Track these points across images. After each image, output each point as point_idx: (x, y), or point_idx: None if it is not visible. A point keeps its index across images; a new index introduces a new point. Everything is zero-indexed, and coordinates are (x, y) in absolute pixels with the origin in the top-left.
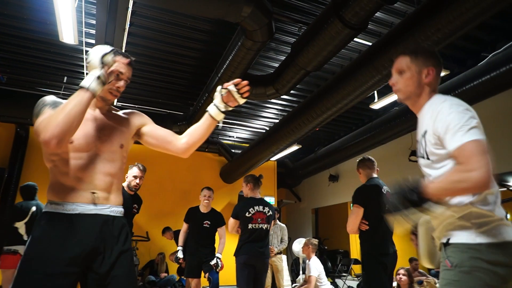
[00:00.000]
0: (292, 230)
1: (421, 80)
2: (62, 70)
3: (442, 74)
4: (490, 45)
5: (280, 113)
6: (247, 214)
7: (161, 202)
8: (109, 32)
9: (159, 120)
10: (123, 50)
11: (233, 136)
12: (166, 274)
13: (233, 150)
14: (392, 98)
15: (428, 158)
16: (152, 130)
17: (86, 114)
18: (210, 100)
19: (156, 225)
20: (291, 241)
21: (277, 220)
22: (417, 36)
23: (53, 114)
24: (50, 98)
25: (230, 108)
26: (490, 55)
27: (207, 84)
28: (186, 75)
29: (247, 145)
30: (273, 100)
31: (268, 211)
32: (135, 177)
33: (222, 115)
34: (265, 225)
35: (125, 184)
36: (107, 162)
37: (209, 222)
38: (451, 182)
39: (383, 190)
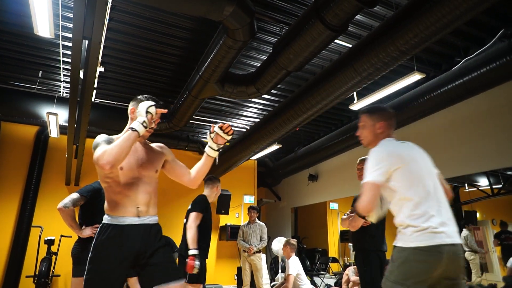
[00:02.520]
0: (272, 229)
1: (375, 131)
2: (37, 64)
3: (419, 77)
4: (463, 51)
5: (260, 112)
6: None
7: None
8: (87, 26)
9: None
10: (102, 46)
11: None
12: None
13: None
14: (371, 99)
15: None
16: (173, 164)
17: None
18: (191, 98)
19: None
20: (270, 239)
21: (257, 219)
22: (395, 39)
23: (109, 147)
24: (104, 137)
25: (221, 146)
26: (463, 60)
27: (188, 82)
28: (167, 73)
29: (228, 143)
30: (254, 99)
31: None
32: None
33: (216, 153)
34: (185, 219)
35: None
36: (146, 183)
37: None
38: (358, 203)
39: None
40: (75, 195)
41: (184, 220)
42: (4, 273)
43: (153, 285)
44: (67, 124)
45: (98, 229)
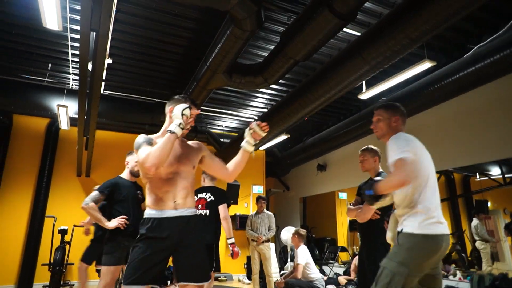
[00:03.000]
0: (281, 219)
1: (391, 124)
2: (46, 57)
3: (429, 65)
4: (476, 37)
5: (268, 102)
6: None
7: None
8: (95, 18)
9: (147, 109)
10: (110, 38)
11: (222, 125)
12: None
13: (221, 139)
14: (380, 88)
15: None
16: (210, 159)
17: None
18: (198, 88)
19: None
20: (279, 229)
21: (265, 209)
22: (406, 26)
23: (152, 150)
24: (144, 137)
25: (258, 141)
26: (476, 47)
27: (196, 73)
28: (174, 64)
29: (236, 134)
30: (262, 90)
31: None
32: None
33: (253, 148)
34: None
35: (126, 172)
36: (184, 179)
37: None
38: (389, 180)
39: None
40: (94, 193)
41: (202, 211)
42: (21, 262)
43: (178, 280)
44: (77, 116)
45: (141, 222)
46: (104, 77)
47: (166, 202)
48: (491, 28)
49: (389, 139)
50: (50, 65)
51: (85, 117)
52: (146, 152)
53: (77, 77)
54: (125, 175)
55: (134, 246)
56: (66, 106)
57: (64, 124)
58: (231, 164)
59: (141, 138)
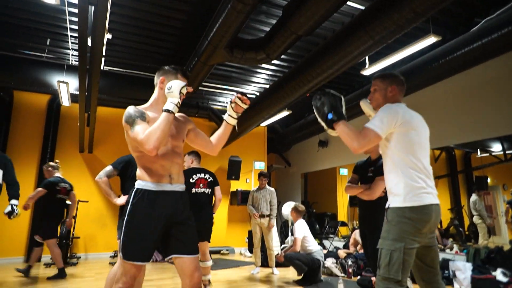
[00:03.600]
0: (282, 194)
1: (386, 94)
2: (45, 32)
3: (435, 40)
4: (484, 11)
5: (270, 78)
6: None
7: None
8: None
9: (148, 85)
10: (108, 12)
11: (223, 102)
12: None
13: (223, 116)
14: (383, 64)
15: None
16: (195, 133)
17: None
18: (200, 64)
19: None
20: (280, 204)
21: (267, 184)
22: (411, 0)
23: (151, 130)
24: (134, 110)
25: (239, 114)
26: (483, 21)
27: (197, 48)
28: (175, 39)
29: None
30: (263, 65)
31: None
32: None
33: (235, 120)
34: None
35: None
36: (177, 154)
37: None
38: (347, 133)
39: None
40: (108, 168)
41: (205, 190)
42: (29, 235)
43: (170, 253)
44: (77, 93)
45: (132, 193)
46: (104, 53)
47: (163, 176)
48: (499, 3)
49: (382, 107)
50: (49, 40)
51: (86, 94)
52: (143, 130)
53: (76, 53)
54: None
55: (129, 219)
56: (66, 83)
57: (65, 101)
58: (214, 138)
59: (131, 110)
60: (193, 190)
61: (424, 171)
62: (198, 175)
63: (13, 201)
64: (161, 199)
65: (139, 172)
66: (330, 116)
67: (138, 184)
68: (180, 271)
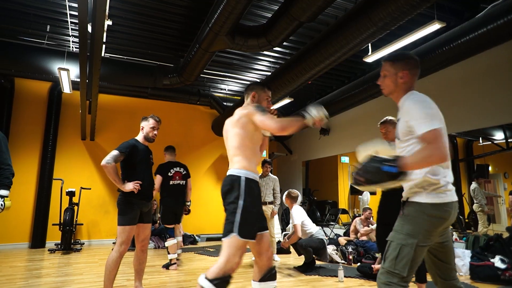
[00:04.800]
0: (284, 182)
1: (397, 80)
2: (44, 18)
3: (439, 26)
4: None
5: (272, 65)
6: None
7: (154, 154)
8: None
9: (148, 72)
10: None
11: (225, 89)
12: (157, 225)
13: (224, 103)
14: (386, 51)
15: (399, 139)
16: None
17: None
18: (201, 51)
19: None
20: (282, 192)
21: (270, 172)
22: None
23: (285, 121)
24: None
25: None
26: (489, 6)
27: (198, 35)
28: (176, 25)
29: (239, 98)
30: (265, 52)
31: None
32: (153, 128)
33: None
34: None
35: (140, 137)
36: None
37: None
38: (422, 157)
39: None
40: (115, 152)
41: (180, 181)
42: (33, 222)
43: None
44: (78, 80)
45: (243, 181)
46: (104, 40)
47: (256, 167)
48: None
49: (405, 100)
50: (48, 27)
51: (87, 81)
52: (274, 119)
53: (77, 40)
54: (140, 138)
55: (245, 204)
56: (67, 70)
57: (66, 88)
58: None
59: (258, 107)
60: (171, 182)
61: (449, 166)
62: (175, 169)
63: (1, 192)
64: (256, 186)
65: (244, 162)
66: (388, 168)
67: (246, 174)
68: (258, 248)
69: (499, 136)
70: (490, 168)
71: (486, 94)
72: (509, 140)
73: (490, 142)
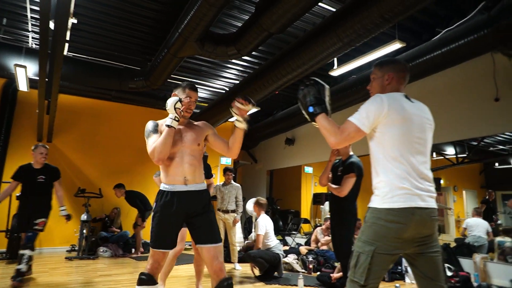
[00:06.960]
0: (248, 190)
1: (383, 83)
2: (1, 10)
3: (399, 46)
4: (445, 21)
5: (240, 74)
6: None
7: (117, 159)
8: None
9: (114, 74)
10: None
11: None
12: (119, 230)
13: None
14: (351, 66)
15: None
16: (214, 138)
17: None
18: (169, 56)
19: (111, 182)
20: (245, 200)
21: (232, 180)
22: (380, 6)
23: (156, 143)
24: (152, 125)
25: (246, 118)
26: (443, 31)
27: (167, 40)
28: (145, 28)
29: (206, 104)
30: (234, 61)
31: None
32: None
33: (244, 124)
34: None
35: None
36: (191, 156)
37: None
38: (326, 128)
39: None
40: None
41: None
42: (7, 228)
43: (196, 243)
44: (37, 78)
45: (157, 194)
46: (68, 38)
47: (176, 178)
48: (460, 13)
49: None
50: (5, 20)
51: (46, 79)
52: (152, 144)
53: (37, 36)
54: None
55: (154, 215)
56: (24, 66)
57: (22, 86)
58: (230, 142)
59: (150, 125)
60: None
61: (411, 170)
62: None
63: None
64: (177, 198)
65: (161, 175)
66: (311, 109)
67: (161, 186)
68: (204, 260)
69: (450, 151)
70: (442, 182)
71: (441, 112)
72: (459, 156)
73: (442, 157)
